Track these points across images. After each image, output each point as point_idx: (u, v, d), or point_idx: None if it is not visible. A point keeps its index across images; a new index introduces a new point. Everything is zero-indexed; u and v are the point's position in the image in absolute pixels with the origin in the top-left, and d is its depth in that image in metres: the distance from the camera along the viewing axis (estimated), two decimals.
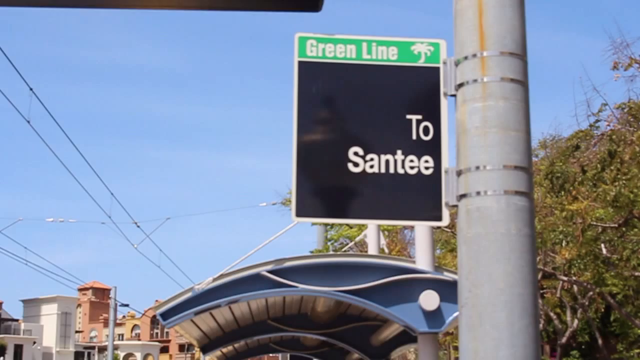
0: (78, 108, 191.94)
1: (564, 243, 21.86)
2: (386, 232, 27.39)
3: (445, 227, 23.88)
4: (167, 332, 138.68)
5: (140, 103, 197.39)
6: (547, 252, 24.88)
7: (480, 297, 4.03)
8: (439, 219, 4.49)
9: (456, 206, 4.29)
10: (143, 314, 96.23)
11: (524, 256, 4.05)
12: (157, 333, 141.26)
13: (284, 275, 7.32)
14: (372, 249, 11.20)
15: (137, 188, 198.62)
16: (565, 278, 24.33)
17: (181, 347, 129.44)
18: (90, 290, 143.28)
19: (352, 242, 22.95)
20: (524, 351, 3.95)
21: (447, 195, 4.40)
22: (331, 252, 21.00)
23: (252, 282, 7.38)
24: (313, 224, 25.80)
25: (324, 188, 4.51)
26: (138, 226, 31.26)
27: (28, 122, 19.40)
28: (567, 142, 22.96)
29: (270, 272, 7.31)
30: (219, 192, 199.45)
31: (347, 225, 27.68)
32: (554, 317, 30.37)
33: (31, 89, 19.05)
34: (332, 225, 28.14)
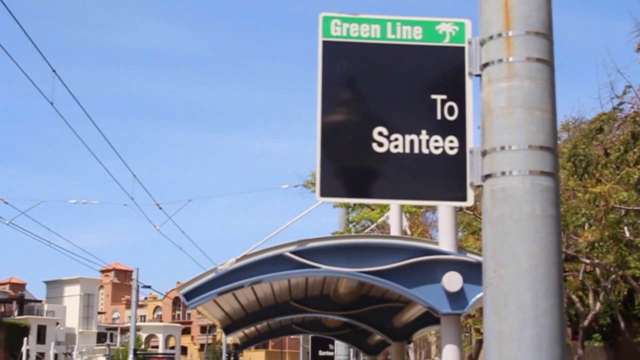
0: (101, 91, 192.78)
1: (586, 226, 21.77)
2: (407, 215, 27.35)
3: (468, 209, 23.85)
4: (188, 314, 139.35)
5: (163, 86, 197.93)
6: (569, 235, 24.78)
7: (505, 277, 4.02)
8: (464, 199, 4.49)
9: (481, 186, 4.28)
10: (165, 296, 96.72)
11: (549, 237, 4.04)
12: (179, 314, 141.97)
13: (307, 256, 7.32)
14: (394, 231, 11.18)
15: (160, 170, 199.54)
16: (587, 261, 24.25)
17: (203, 329, 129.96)
18: (113, 272, 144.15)
19: (374, 224, 22.93)
20: (549, 331, 3.93)
21: (472, 176, 4.38)
22: (354, 234, 20.98)
23: (275, 262, 7.38)
24: (335, 205, 25.82)
25: (348, 168, 4.50)
26: (160, 208, 31.40)
27: (51, 103, 19.49)
28: (590, 124, 22.80)
29: (293, 252, 7.32)
30: (240, 174, 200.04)
31: (369, 207, 27.67)
32: (576, 300, 30.28)
33: (54, 71, 19.13)
34: (354, 207, 28.14)
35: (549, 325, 3.94)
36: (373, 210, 27.25)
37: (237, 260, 7.42)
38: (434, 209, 31.01)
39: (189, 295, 7.46)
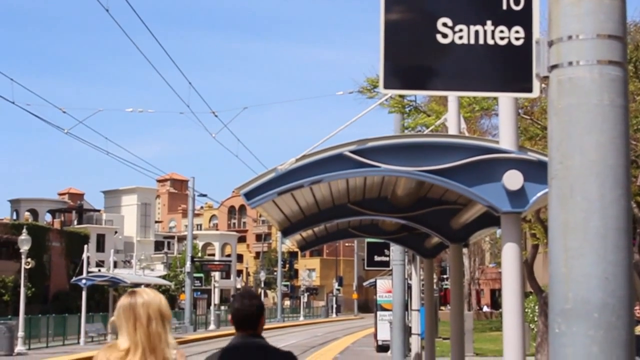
0: None
1: None
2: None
3: (525, 114, 23.58)
4: (244, 222, 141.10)
5: None
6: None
7: (571, 168, 3.97)
8: (529, 90, 4.44)
9: (547, 77, 4.21)
10: (221, 204, 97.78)
11: (617, 127, 3.97)
12: (234, 223, 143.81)
13: (367, 155, 7.29)
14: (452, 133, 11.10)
15: (215, 79, 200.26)
16: None
17: (258, 237, 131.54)
18: (169, 182, 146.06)
19: (430, 129, 22.80)
20: (615, 222, 3.90)
21: (538, 67, 4.31)
22: (414, 133, 20.80)
23: (335, 162, 7.36)
24: (391, 111, 25.70)
25: (412, 59, 4.46)
26: (216, 115, 31.56)
27: (107, 10, 19.52)
28: None
29: (353, 152, 7.28)
30: (296, 82, 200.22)
31: (425, 112, 27.53)
32: (634, 205, 30.05)
33: None
34: (409, 113, 27.98)
35: (615, 216, 3.91)
36: (429, 116, 27.09)
37: (297, 160, 7.42)
38: (489, 114, 30.75)
39: (249, 195, 7.48)
